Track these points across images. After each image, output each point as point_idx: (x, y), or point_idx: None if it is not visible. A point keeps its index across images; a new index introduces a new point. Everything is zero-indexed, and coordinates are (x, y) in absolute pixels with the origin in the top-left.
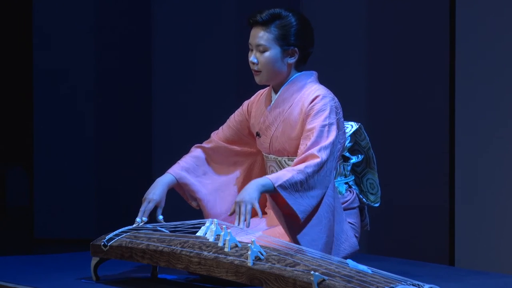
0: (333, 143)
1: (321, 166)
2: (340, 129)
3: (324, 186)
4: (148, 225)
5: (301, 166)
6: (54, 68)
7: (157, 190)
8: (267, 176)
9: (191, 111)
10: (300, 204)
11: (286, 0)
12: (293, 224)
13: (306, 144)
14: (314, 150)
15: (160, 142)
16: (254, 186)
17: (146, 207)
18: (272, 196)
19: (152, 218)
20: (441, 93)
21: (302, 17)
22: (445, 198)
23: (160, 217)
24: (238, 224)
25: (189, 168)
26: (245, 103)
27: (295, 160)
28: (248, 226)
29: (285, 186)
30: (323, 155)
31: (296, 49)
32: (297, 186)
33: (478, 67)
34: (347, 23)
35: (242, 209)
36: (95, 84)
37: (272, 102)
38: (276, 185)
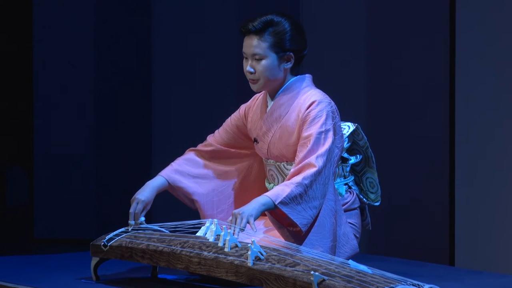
0: (329, 150)
1: (318, 174)
2: (337, 134)
3: (324, 194)
4: (148, 225)
5: (299, 178)
6: (54, 68)
7: (146, 192)
8: (266, 194)
9: (191, 111)
10: (302, 217)
11: (286, 1)
12: (296, 235)
13: (303, 152)
14: (311, 159)
15: (160, 142)
16: (255, 205)
17: (135, 208)
18: (271, 212)
19: (151, 219)
20: (441, 93)
21: (294, 21)
22: (445, 198)
23: (142, 218)
24: (233, 234)
25: (182, 171)
26: (242, 107)
27: (292, 169)
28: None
29: (285, 202)
30: (320, 163)
31: (291, 54)
32: (297, 200)
33: (478, 66)
34: (347, 23)
35: (238, 221)
36: (95, 84)
37: (269, 107)
38: (276, 202)
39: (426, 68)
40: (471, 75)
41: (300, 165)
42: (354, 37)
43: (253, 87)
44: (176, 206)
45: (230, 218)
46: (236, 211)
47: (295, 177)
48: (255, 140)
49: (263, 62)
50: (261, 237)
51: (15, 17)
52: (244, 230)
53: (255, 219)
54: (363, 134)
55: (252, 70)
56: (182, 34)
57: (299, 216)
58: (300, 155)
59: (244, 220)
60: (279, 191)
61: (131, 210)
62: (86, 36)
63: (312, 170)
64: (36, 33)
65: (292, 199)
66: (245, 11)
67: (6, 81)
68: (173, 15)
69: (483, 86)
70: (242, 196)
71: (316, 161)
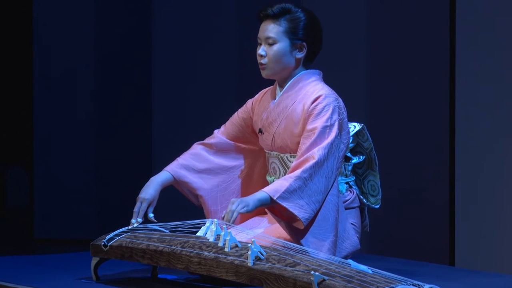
0: (331, 144)
1: (318, 166)
2: (344, 129)
3: (327, 188)
4: (148, 225)
5: (298, 172)
6: (54, 68)
7: (150, 190)
8: (264, 189)
9: (191, 111)
10: (305, 211)
11: (286, 1)
12: (297, 229)
13: (306, 144)
14: (312, 152)
15: (160, 141)
16: (251, 199)
17: (139, 207)
18: (269, 207)
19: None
20: (441, 93)
21: (311, 13)
22: (445, 198)
23: (151, 215)
24: (223, 218)
25: (188, 166)
26: (249, 101)
27: (294, 162)
28: (233, 222)
29: (285, 197)
30: (320, 155)
31: (304, 43)
32: (297, 193)
33: (478, 67)
34: (348, 23)
35: (234, 206)
36: (95, 83)
37: (277, 98)
38: (275, 197)
39: (426, 68)
40: (471, 75)
41: (302, 158)
42: (355, 38)
43: (263, 73)
44: (176, 206)
45: (223, 215)
46: (232, 199)
47: (295, 171)
48: (260, 131)
49: (275, 46)
50: (259, 235)
51: (16, 18)
52: (234, 220)
53: (248, 211)
54: (368, 135)
55: (263, 53)
56: (182, 33)
57: (301, 210)
58: (303, 147)
59: (240, 206)
60: (277, 187)
61: (135, 209)
62: (86, 36)
63: (311, 162)
64: (36, 33)
65: (291, 193)
66: (245, 11)
67: (6, 81)
68: (173, 14)
69: (484, 86)
70: (246, 192)
71: (316, 154)
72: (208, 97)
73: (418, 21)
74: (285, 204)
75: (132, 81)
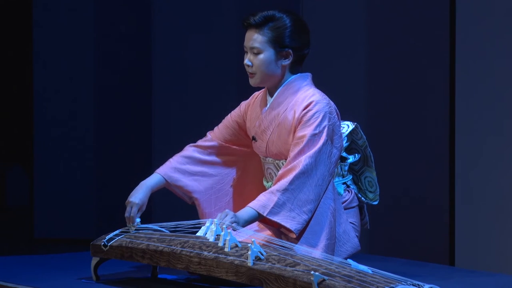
0: (319, 151)
1: (305, 176)
2: (336, 134)
3: (319, 196)
4: (148, 225)
5: (285, 184)
6: (54, 68)
7: (139, 194)
8: (251, 206)
9: (191, 111)
10: (297, 222)
11: (286, 0)
12: (288, 237)
13: (294, 152)
14: (298, 160)
15: (160, 141)
16: (242, 218)
17: (130, 213)
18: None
19: (151, 219)
20: (441, 93)
21: (296, 18)
22: (445, 198)
23: (138, 219)
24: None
25: (182, 169)
26: (243, 104)
27: (280, 171)
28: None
29: (275, 212)
30: (307, 164)
31: (290, 51)
32: (287, 206)
33: (478, 66)
34: (347, 22)
35: (226, 219)
36: (94, 83)
37: (267, 105)
38: (265, 214)
39: (426, 67)
40: (471, 74)
41: (288, 166)
42: (354, 37)
43: (251, 81)
44: (176, 206)
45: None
46: (228, 211)
47: (281, 181)
48: (253, 138)
49: (260, 56)
50: (255, 234)
51: (15, 18)
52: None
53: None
54: (362, 133)
55: (249, 63)
56: (182, 33)
57: (293, 222)
58: (291, 154)
59: (232, 219)
60: (265, 201)
61: (126, 214)
62: (87, 36)
63: (296, 171)
64: (36, 33)
65: (281, 207)
66: (245, 11)
67: (6, 81)
68: (173, 14)
69: (483, 86)
70: (239, 194)
71: (302, 163)
72: (208, 97)
73: (418, 21)
74: (275, 219)
75: (132, 81)
